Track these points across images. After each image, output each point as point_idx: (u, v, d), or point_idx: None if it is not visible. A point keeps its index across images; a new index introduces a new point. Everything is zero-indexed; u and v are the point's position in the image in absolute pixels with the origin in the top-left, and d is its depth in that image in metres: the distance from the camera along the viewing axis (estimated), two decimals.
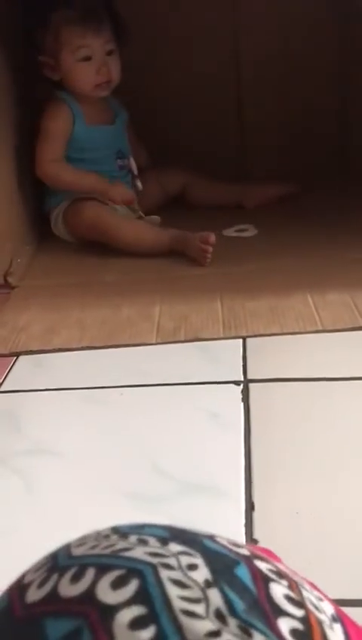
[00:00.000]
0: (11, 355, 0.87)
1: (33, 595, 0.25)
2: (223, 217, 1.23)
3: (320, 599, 0.27)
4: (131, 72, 1.17)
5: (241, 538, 0.55)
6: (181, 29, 1.32)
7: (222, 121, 1.40)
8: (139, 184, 1.22)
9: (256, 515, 0.58)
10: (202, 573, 0.25)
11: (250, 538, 0.55)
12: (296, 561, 0.34)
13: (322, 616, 0.25)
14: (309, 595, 0.26)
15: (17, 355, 0.87)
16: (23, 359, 0.86)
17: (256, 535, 0.55)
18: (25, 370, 0.84)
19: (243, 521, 0.57)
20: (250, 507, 0.58)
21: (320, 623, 0.25)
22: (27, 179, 1.20)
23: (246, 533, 0.56)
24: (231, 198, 1.31)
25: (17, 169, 1.17)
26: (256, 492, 0.60)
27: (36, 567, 0.27)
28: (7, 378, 0.82)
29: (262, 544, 0.54)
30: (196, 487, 0.62)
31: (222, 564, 0.26)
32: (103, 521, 0.30)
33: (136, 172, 1.22)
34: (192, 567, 0.25)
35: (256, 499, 0.59)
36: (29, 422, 0.74)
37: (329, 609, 0.26)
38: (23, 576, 0.27)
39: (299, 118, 1.40)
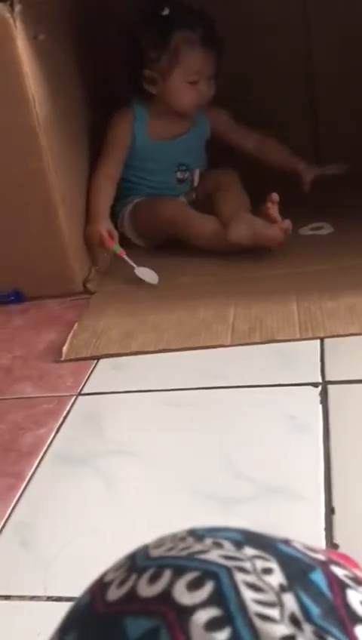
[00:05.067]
0: (92, 358, 0.90)
1: (113, 593, 0.26)
2: (299, 216, 1.21)
3: None
4: None
5: (321, 542, 0.54)
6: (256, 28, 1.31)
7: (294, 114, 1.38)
8: (193, 195, 1.27)
9: (336, 518, 0.57)
10: (277, 578, 0.25)
11: (331, 542, 0.54)
12: None
13: None
14: None
15: (98, 358, 0.89)
16: (103, 362, 0.89)
17: (337, 539, 0.55)
18: (105, 373, 0.86)
19: (323, 524, 0.56)
20: (329, 511, 0.58)
21: None
22: None
23: (326, 537, 0.55)
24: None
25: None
26: (336, 495, 0.59)
27: (116, 567, 0.28)
28: (89, 380, 0.85)
29: (342, 549, 0.53)
30: (274, 489, 0.61)
31: (297, 568, 0.26)
32: (181, 522, 0.31)
33: (196, 184, 1.26)
34: (267, 571, 0.25)
35: (335, 502, 0.58)
36: (109, 423, 0.76)
37: None
38: (104, 574, 0.28)
39: None
